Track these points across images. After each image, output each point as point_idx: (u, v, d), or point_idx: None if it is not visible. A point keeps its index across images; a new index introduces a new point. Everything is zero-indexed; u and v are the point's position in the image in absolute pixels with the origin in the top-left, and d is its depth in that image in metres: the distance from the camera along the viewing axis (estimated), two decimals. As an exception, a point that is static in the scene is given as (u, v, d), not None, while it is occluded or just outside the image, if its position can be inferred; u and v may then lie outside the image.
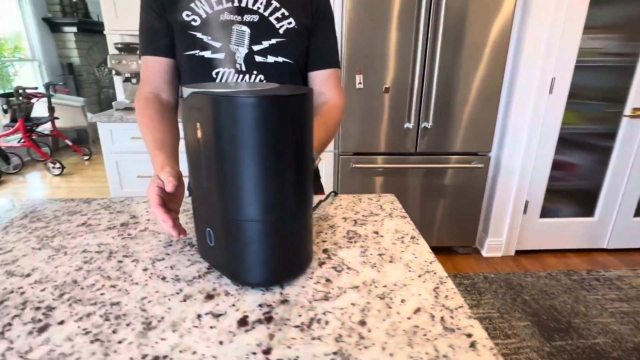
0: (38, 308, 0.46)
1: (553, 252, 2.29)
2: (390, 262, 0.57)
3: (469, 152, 2.04)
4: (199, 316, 0.45)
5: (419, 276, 0.53)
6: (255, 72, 0.81)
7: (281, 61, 0.82)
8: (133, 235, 0.65)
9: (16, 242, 0.62)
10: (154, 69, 0.83)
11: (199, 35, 0.79)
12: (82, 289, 0.50)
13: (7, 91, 3.55)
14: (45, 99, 3.74)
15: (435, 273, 0.54)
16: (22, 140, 3.57)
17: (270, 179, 0.46)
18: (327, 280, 0.52)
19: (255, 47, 0.81)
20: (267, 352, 0.40)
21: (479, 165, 2.04)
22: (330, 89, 0.90)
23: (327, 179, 2.07)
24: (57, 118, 3.93)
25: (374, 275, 0.53)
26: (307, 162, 0.50)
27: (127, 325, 0.43)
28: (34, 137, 3.71)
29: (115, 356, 0.39)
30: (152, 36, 0.81)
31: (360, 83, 1.85)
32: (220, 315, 0.45)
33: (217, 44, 0.79)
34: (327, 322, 0.44)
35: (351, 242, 0.63)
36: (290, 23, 0.82)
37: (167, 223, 0.56)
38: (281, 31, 0.82)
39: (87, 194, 3.32)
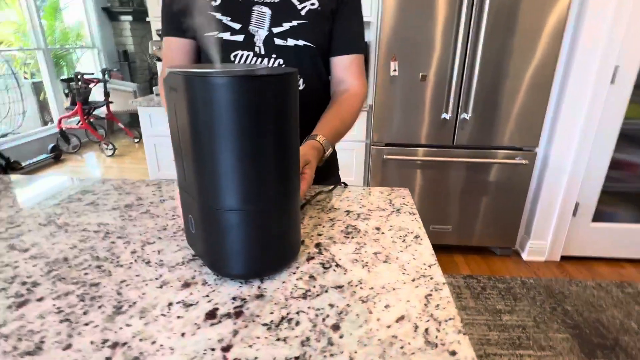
0: (24, 283, 0.47)
1: (605, 261, 2.08)
2: (385, 262, 0.52)
3: (512, 146, 1.89)
4: (170, 304, 0.44)
5: (413, 280, 0.48)
6: (274, 55, 0.79)
7: (302, 45, 0.79)
8: (133, 217, 0.65)
9: (27, 217, 0.65)
10: (176, 50, 0.83)
11: (218, 15, 0.77)
12: (69, 267, 0.51)
13: (69, 76, 3.83)
14: (101, 84, 4.00)
15: (431, 278, 0.49)
16: (80, 123, 3.85)
17: (249, 166, 0.43)
18: (311, 277, 0.49)
19: (276, 30, 0.77)
20: (226, 349, 0.37)
21: (524, 162, 1.89)
22: (351, 77, 0.85)
23: (357, 171, 2.02)
24: (111, 102, 4.19)
25: (362, 275, 0.49)
26: (292, 148, 0.46)
27: (99, 307, 0.43)
28: (91, 119, 3.99)
29: (78, 338, 0.39)
30: (174, 17, 0.81)
31: (395, 70, 1.76)
32: (191, 305, 0.44)
33: (237, 26, 0.77)
34: (297, 323, 0.41)
35: (348, 237, 0.59)
36: (313, 4, 0.78)
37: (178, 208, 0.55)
38: (303, 12, 0.78)
39: (135, 174, 3.53)
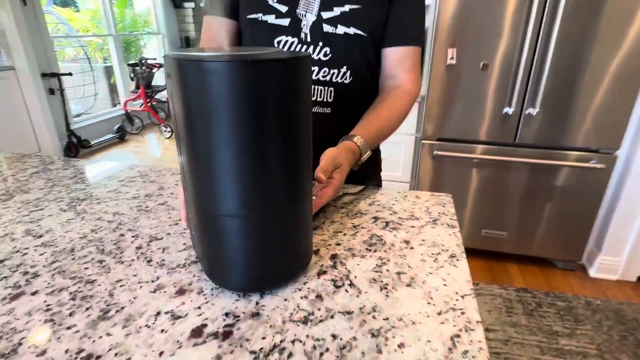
0: (26, 273, 0.46)
1: (695, 287, 1.77)
2: (408, 285, 0.44)
3: (587, 148, 1.65)
4: (158, 314, 0.40)
5: (439, 313, 0.40)
6: (320, 43, 0.71)
7: (352, 33, 0.71)
8: (149, 208, 0.63)
9: (52, 201, 0.65)
10: (216, 30, 0.79)
11: None
12: (73, 259, 0.49)
13: (134, 61, 4.06)
14: (163, 69, 4.20)
15: (463, 313, 0.40)
16: (143, 105, 4.08)
17: (248, 166, 0.37)
18: (318, 296, 0.42)
19: (325, 15, 0.70)
20: (202, 379, 0.32)
21: (600, 166, 1.64)
22: (404, 72, 0.76)
23: (404, 166, 1.90)
24: (172, 87, 4.38)
25: (378, 300, 0.42)
26: (302, 146, 0.40)
27: (87, 309, 0.40)
28: (152, 102, 4.22)
29: (55, 344, 0.36)
30: None
31: (452, 58, 1.61)
32: (179, 317, 0.39)
33: (283, 8, 0.71)
34: (290, 355, 0.35)
35: (370, 249, 0.51)
36: None
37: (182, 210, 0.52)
38: None
39: (189, 157, 3.67)
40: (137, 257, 0.49)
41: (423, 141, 1.80)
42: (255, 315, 0.40)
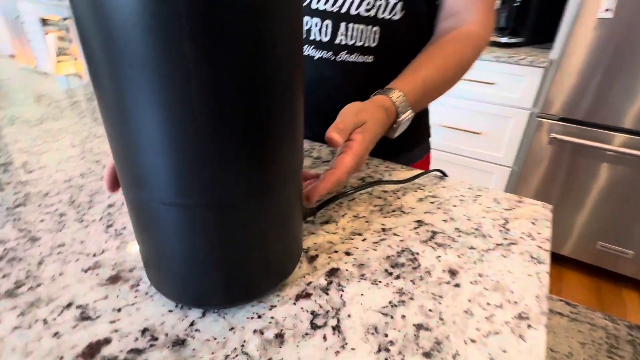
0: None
1: None
2: (427, 356, 0.27)
3: None
4: (68, 306, 0.30)
5: None
6: None
7: None
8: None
9: (68, 134, 0.61)
10: None
11: None
12: (39, 205, 0.42)
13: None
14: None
15: None
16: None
17: (179, 130, 0.22)
18: (279, 336, 0.28)
19: None
20: None
21: None
22: (470, 7, 0.52)
23: (509, 147, 1.55)
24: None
25: (366, 373, 0.25)
26: (280, 104, 0.24)
27: (2, 277, 0.32)
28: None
29: (-62, 318, 0.28)
30: None
31: (608, 10, 1.18)
32: (87, 319, 0.29)
33: None
34: None
35: (391, 273, 0.34)
36: None
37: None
38: None
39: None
40: (100, 219, 0.40)
41: (541, 119, 1.43)
42: (179, 344, 0.27)
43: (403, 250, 0.37)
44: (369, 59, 0.54)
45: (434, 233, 0.40)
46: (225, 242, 0.26)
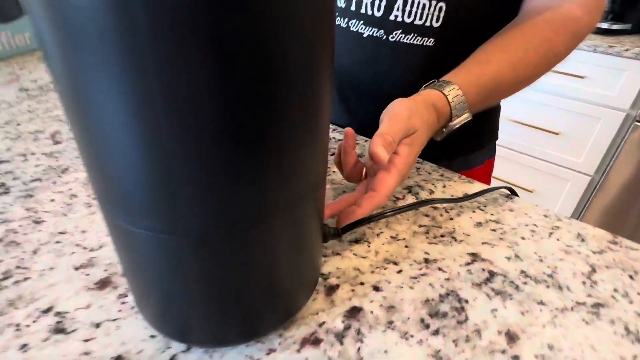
0: (2, 185, 0.39)
1: None
2: None
3: None
4: (47, 311, 0.26)
5: None
6: None
7: None
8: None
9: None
10: None
11: None
12: (54, 183, 0.40)
13: None
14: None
15: None
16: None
17: (150, 141, 0.16)
18: (270, 397, 0.22)
19: None
20: None
21: None
22: None
23: (593, 153, 1.34)
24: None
25: None
26: (287, 100, 0.17)
27: (-6, 263, 0.30)
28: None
29: None
30: None
31: None
32: (60, 331, 0.25)
33: None
34: None
35: (427, 325, 0.26)
36: None
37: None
38: None
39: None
40: (109, 205, 0.37)
41: (639, 123, 1.20)
42: (150, 385, 0.22)
43: (448, 294, 0.29)
44: (429, 42, 0.44)
45: (492, 274, 0.31)
46: (208, 275, 0.21)
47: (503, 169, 1.55)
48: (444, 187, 0.42)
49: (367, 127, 0.53)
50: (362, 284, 0.29)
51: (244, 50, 0.14)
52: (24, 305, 0.27)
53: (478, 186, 0.42)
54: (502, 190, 0.41)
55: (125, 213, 0.19)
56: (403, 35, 0.45)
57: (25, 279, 0.29)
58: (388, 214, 0.31)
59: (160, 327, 0.24)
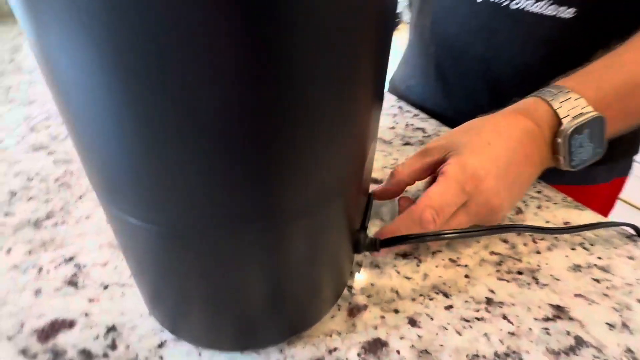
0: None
1: None
2: None
3: None
4: (70, 259, 0.26)
5: None
6: None
7: None
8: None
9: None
10: None
11: None
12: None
13: None
14: None
15: None
16: None
17: (137, 126, 0.12)
18: None
19: None
20: None
21: None
22: None
23: None
24: None
25: None
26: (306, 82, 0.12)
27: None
28: None
29: (-26, 227, 0.28)
30: None
31: None
32: (74, 285, 0.25)
33: None
34: None
35: (466, 393, 0.20)
36: None
37: None
38: None
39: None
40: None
41: None
42: (130, 370, 0.21)
43: (507, 355, 0.22)
44: (568, 12, 0.33)
45: (580, 343, 0.22)
46: (196, 273, 0.17)
47: (637, 194, 1.26)
48: (539, 207, 0.33)
49: (466, 113, 0.45)
50: (396, 311, 0.24)
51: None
52: (52, 249, 0.27)
53: (589, 216, 0.32)
54: (624, 227, 0.30)
55: (119, 201, 0.16)
56: (532, 2, 0.35)
57: (63, 222, 0.29)
58: (447, 235, 0.24)
59: (152, 313, 0.22)
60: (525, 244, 0.29)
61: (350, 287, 0.25)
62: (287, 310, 0.20)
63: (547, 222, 0.31)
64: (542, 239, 0.29)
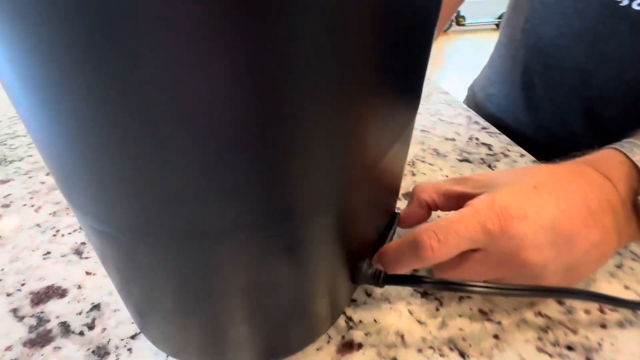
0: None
1: None
2: None
3: None
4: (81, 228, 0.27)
5: None
6: None
7: None
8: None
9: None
10: None
11: None
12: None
13: None
14: None
15: None
16: None
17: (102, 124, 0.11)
18: None
19: None
20: None
21: None
22: None
23: None
24: None
25: None
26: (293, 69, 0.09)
27: None
28: None
29: None
30: None
31: None
32: (79, 254, 0.25)
33: None
34: None
35: None
36: None
37: None
38: None
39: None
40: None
41: None
42: (104, 353, 0.20)
43: None
44: None
45: None
46: (158, 284, 0.16)
47: None
48: (618, 267, 0.25)
49: (551, 133, 0.38)
50: (395, 360, 0.20)
51: None
52: (72, 215, 0.28)
53: None
54: None
55: (82, 203, 0.15)
56: None
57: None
58: (478, 289, 0.19)
59: (149, 344, 0.21)
60: (587, 312, 0.23)
61: (349, 318, 0.22)
62: (260, 332, 0.18)
63: (627, 287, 0.24)
64: (613, 310, 0.23)
